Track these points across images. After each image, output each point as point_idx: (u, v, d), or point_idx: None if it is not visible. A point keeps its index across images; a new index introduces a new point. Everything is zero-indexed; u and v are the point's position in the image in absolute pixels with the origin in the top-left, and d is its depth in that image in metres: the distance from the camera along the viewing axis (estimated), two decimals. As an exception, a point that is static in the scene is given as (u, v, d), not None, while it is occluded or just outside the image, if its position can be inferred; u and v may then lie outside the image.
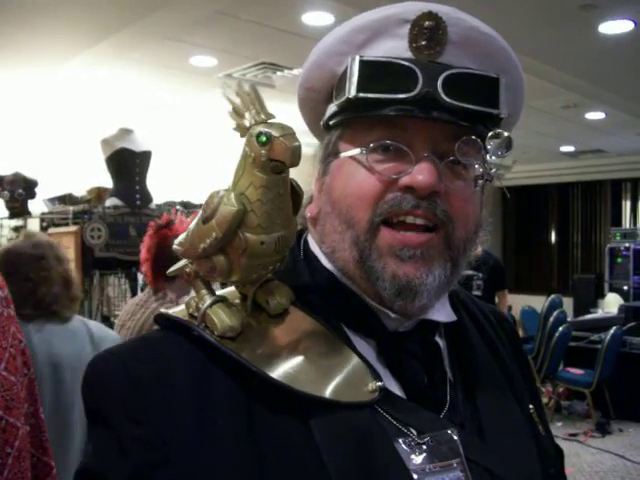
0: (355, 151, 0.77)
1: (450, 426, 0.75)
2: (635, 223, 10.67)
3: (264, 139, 0.65)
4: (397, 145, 0.75)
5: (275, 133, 0.65)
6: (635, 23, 4.29)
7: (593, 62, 5.17)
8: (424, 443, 0.72)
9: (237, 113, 0.68)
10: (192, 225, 0.73)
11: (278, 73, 5.57)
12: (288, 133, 0.65)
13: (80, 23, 4.30)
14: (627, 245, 9.66)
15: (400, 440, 0.71)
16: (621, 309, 7.53)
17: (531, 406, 0.87)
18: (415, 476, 0.69)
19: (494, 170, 0.79)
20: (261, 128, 0.66)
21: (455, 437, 0.74)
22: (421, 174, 0.73)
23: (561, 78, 5.56)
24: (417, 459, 0.71)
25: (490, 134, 0.75)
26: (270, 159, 0.65)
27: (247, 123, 0.67)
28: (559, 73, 5.43)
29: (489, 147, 0.75)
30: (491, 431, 0.79)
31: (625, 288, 9.45)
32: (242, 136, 0.68)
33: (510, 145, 0.76)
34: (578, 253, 11.45)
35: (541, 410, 0.91)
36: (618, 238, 9.91)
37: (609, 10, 4.10)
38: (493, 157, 0.76)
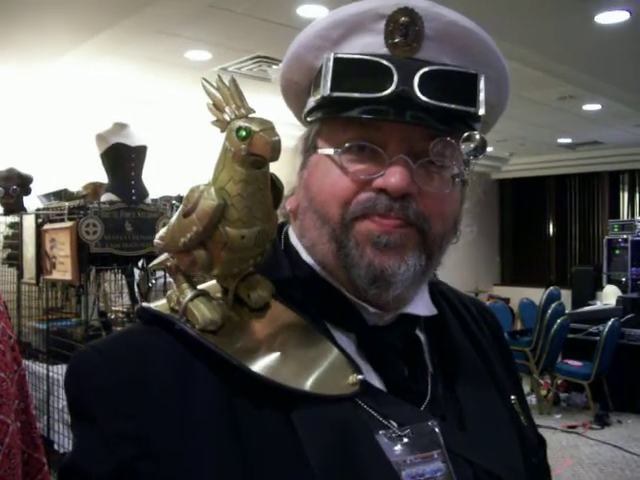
0: (329, 151, 0.77)
1: (431, 418, 0.75)
2: (633, 215, 10.65)
3: (244, 134, 0.65)
4: (370, 146, 0.75)
5: (255, 127, 0.65)
6: (631, 13, 4.28)
7: (589, 53, 5.15)
8: (405, 435, 0.72)
9: (217, 107, 0.68)
10: (173, 219, 0.72)
11: (274, 66, 5.55)
12: (268, 127, 0.65)
13: (73, 18, 4.29)
14: (625, 237, 9.63)
15: (381, 432, 0.72)
16: (619, 301, 7.53)
17: (513, 397, 0.88)
18: (396, 467, 0.70)
19: (469, 171, 0.79)
20: (241, 123, 0.66)
21: (436, 429, 0.74)
22: (393, 177, 0.72)
23: (557, 69, 5.53)
24: (398, 451, 0.71)
25: (462, 137, 0.74)
26: (250, 153, 0.65)
27: (227, 117, 0.67)
28: (555, 64, 5.40)
29: (462, 149, 0.74)
30: (472, 422, 0.79)
31: (623, 280, 9.44)
32: (222, 131, 0.68)
33: (484, 147, 0.74)
34: (576, 245, 11.44)
35: (523, 401, 0.91)
36: (616, 230, 9.88)
37: (605, 0, 4.09)
38: (470, 157, 0.75)
